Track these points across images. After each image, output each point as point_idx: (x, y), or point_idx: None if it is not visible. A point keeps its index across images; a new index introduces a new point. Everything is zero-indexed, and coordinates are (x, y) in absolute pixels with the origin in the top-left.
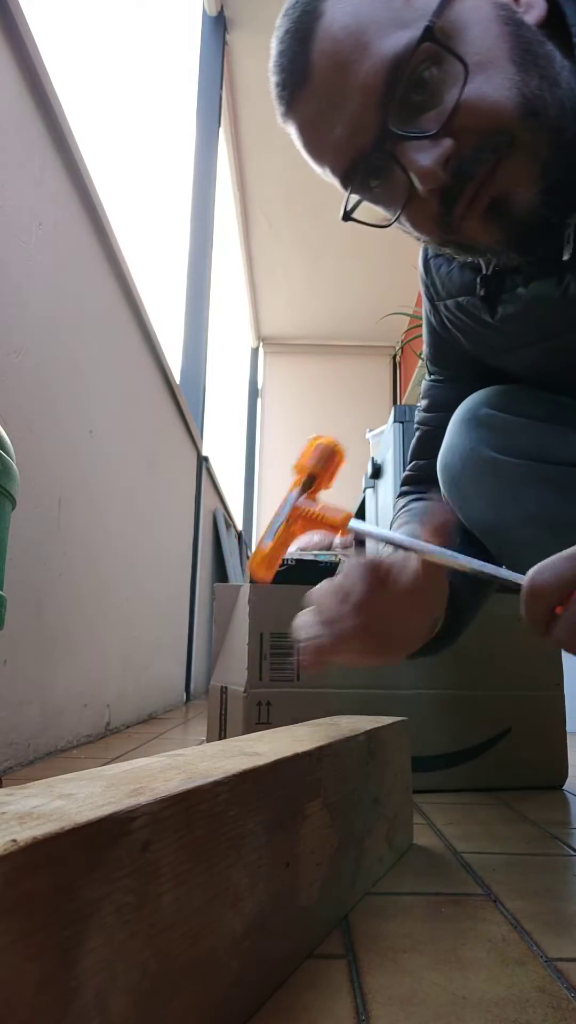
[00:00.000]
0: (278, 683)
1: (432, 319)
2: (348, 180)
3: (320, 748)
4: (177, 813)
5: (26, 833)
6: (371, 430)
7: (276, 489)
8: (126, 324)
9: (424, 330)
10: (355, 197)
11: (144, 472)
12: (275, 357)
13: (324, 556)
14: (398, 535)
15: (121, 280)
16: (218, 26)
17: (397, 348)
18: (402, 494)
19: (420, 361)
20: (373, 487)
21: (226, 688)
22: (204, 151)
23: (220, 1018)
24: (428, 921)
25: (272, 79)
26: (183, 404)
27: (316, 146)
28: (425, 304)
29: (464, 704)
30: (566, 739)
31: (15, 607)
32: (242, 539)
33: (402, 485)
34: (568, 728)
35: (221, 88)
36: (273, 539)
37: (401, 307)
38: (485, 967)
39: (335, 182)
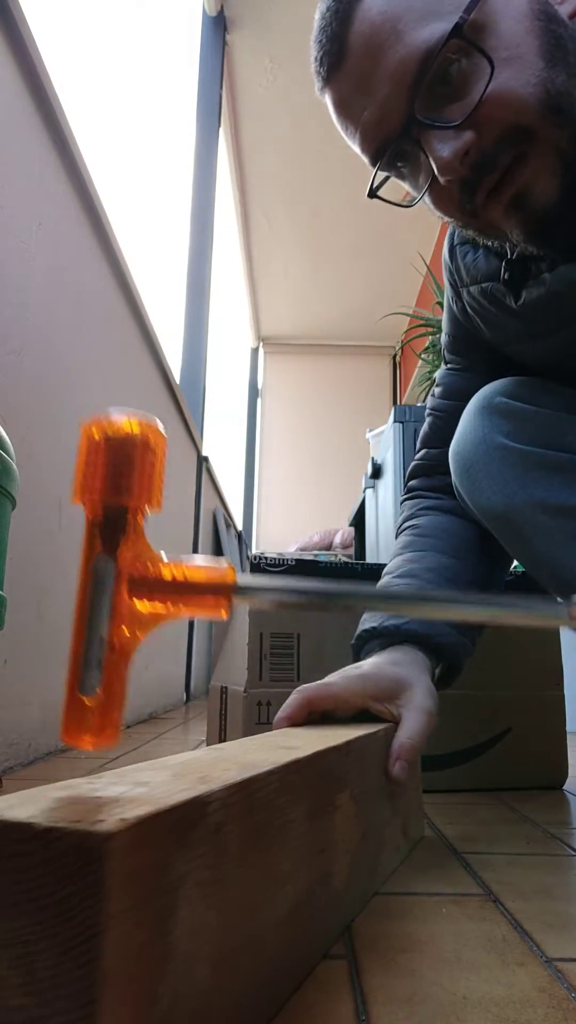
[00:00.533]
0: (278, 683)
1: (454, 306)
2: (376, 160)
3: (348, 743)
4: (241, 799)
5: (130, 813)
6: (371, 430)
7: (276, 489)
8: (126, 324)
9: (444, 317)
10: (381, 175)
11: None
12: (275, 357)
13: (324, 556)
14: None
15: (121, 280)
16: (218, 26)
17: (397, 348)
18: (409, 491)
19: (420, 361)
20: (373, 487)
21: (226, 688)
22: (204, 151)
23: (264, 995)
24: (428, 921)
25: (312, 52)
26: (183, 404)
27: (347, 124)
28: (448, 291)
29: (464, 704)
30: (566, 739)
31: (15, 607)
32: (242, 539)
33: (409, 477)
34: (568, 728)
35: (221, 88)
36: (98, 673)
37: (401, 307)
38: (485, 967)
39: (364, 160)
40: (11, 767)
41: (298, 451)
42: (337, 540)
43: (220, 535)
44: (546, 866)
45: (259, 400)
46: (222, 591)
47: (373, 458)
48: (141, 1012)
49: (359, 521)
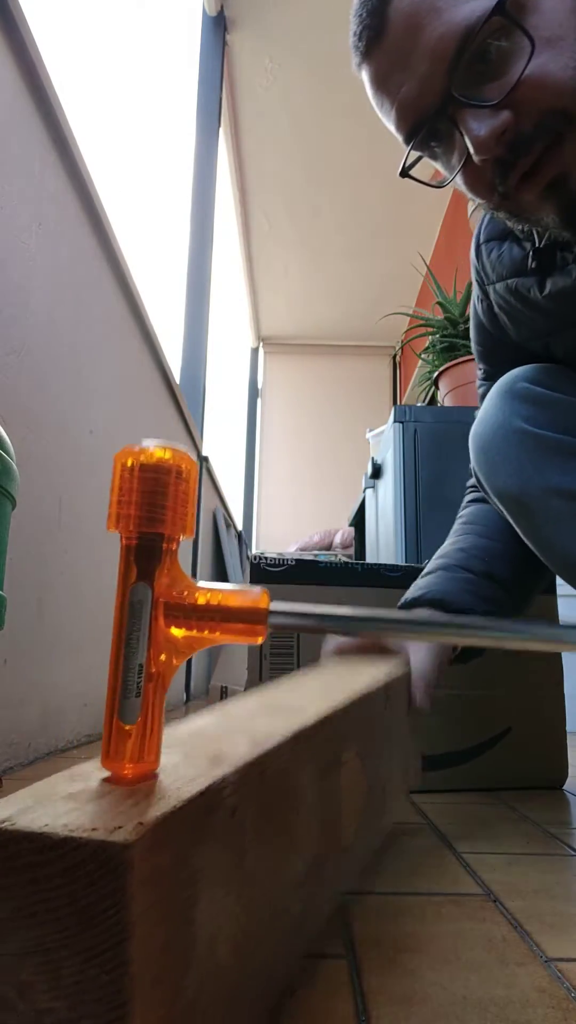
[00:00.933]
0: None
1: (479, 308)
2: (410, 138)
3: (351, 703)
4: (254, 777)
5: (147, 815)
6: (371, 430)
7: (276, 489)
8: (126, 324)
9: (472, 328)
10: (414, 155)
11: None
12: (275, 357)
13: (324, 556)
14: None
15: (121, 280)
16: (218, 26)
17: (397, 348)
18: (469, 487)
19: (420, 361)
20: (373, 487)
21: (226, 688)
22: (204, 151)
23: (284, 958)
24: (428, 921)
25: (351, 26)
26: (183, 404)
27: (384, 100)
28: (475, 292)
29: (464, 704)
30: (566, 739)
31: (15, 607)
32: (242, 539)
33: (470, 479)
34: (568, 728)
35: (221, 88)
36: (138, 700)
37: (401, 307)
38: (485, 967)
39: (398, 137)
40: (11, 767)
41: (298, 451)
42: (337, 540)
43: (220, 535)
44: (546, 866)
45: (259, 400)
46: (257, 617)
47: (373, 458)
48: (169, 1007)
49: (359, 521)
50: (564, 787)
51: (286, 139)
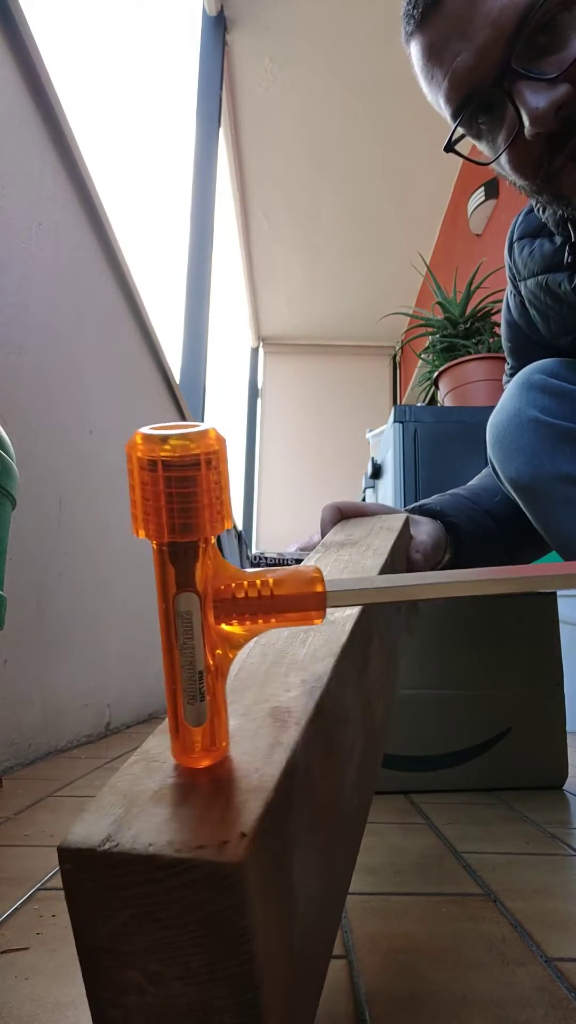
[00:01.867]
0: None
1: (511, 305)
2: (460, 111)
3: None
4: (317, 723)
5: (246, 818)
6: (371, 430)
7: (276, 489)
8: (126, 324)
9: (503, 325)
10: (460, 131)
11: None
12: (275, 357)
13: None
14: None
15: (121, 280)
16: (218, 26)
17: (397, 348)
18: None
19: (420, 361)
20: (373, 487)
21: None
22: (204, 151)
23: (349, 856)
24: (428, 921)
25: None
26: (183, 404)
27: (435, 71)
28: (507, 289)
29: (464, 704)
30: (566, 739)
31: (15, 607)
32: (242, 539)
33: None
34: (568, 728)
35: (221, 88)
36: (203, 695)
37: (401, 307)
38: (485, 967)
39: (445, 111)
40: (11, 767)
41: (298, 451)
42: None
43: (220, 535)
44: (546, 866)
45: (259, 400)
46: (313, 602)
47: (373, 458)
48: (288, 973)
49: None
50: (564, 787)
51: (286, 139)
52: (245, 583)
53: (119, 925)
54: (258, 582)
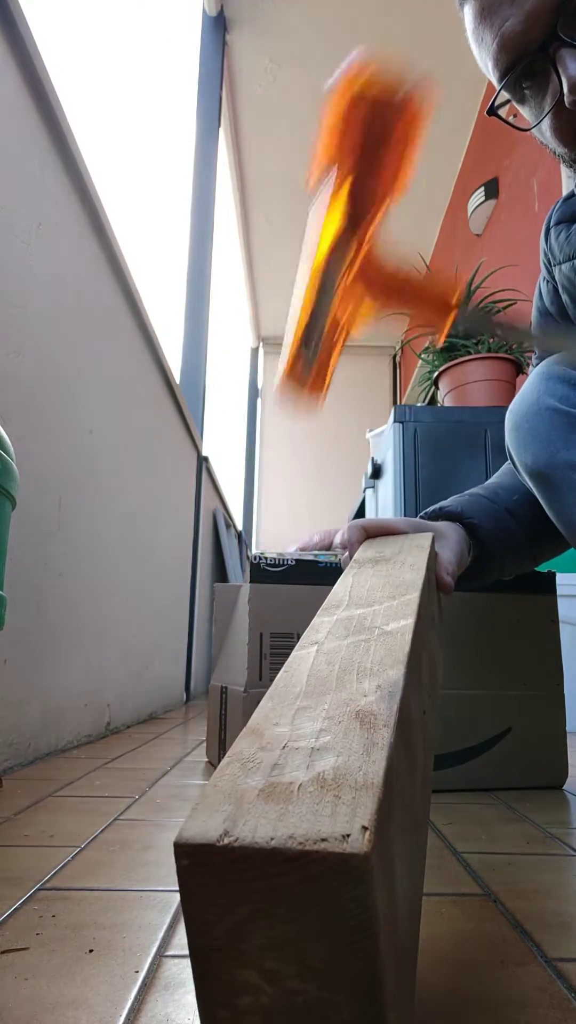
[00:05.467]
0: None
1: (544, 291)
2: (506, 74)
3: (421, 604)
4: (400, 729)
5: (361, 812)
6: (371, 430)
7: (276, 489)
8: (126, 324)
9: (533, 316)
10: (504, 96)
11: (144, 472)
12: (275, 357)
13: (324, 556)
14: None
15: (121, 280)
16: (218, 26)
17: (397, 348)
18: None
19: (420, 361)
20: (373, 487)
21: (226, 688)
22: (204, 151)
23: (424, 854)
24: (428, 921)
25: None
26: (183, 404)
27: (485, 34)
28: (541, 277)
29: (464, 704)
30: (566, 739)
31: (15, 607)
32: (242, 539)
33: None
34: (568, 728)
35: (221, 88)
36: (315, 336)
37: None
38: (485, 967)
39: (493, 75)
40: (11, 767)
41: (298, 451)
42: (337, 540)
43: (220, 535)
44: (546, 866)
45: (259, 400)
46: (443, 308)
47: (373, 458)
48: (398, 969)
49: None
50: (564, 787)
51: (286, 139)
52: (395, 262)
53: (235, 922)
54: (409, 267)
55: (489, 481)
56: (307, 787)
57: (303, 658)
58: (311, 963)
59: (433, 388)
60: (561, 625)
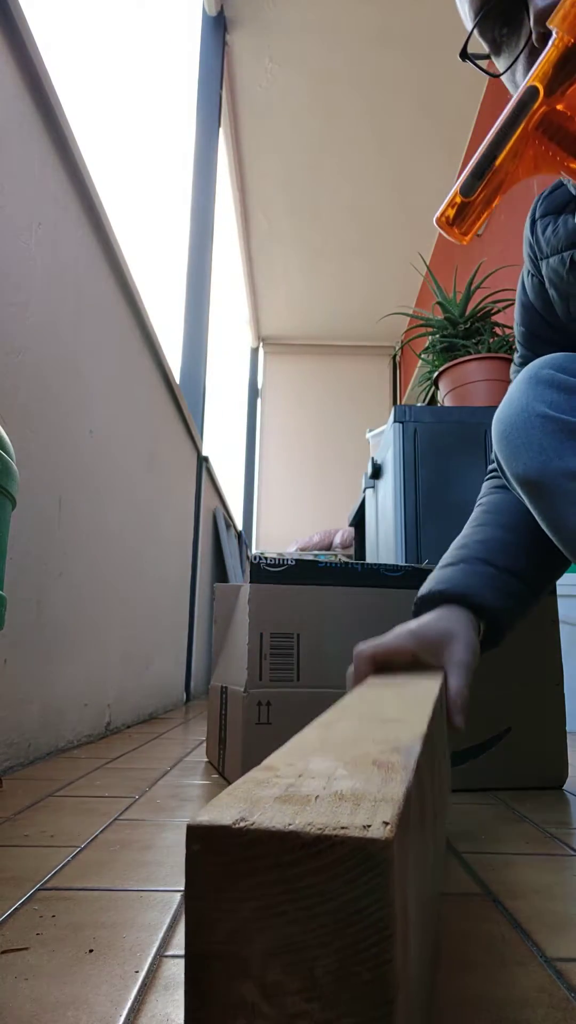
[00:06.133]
0: (278, 683)
1: (528, 286)
2: (479, 12)
3: (435, 708)
4: (418, 773)
5: (382, 813)
6: (371, 430)
7: (276, 489)
8: (126, 324)
9: (517, 309)
10: (482, 43)
11: (144, 472)
12: (275, 357)
13: (324, 556)
14: None
15: (121, 280)
16: (218, 26)
17: (397, 348)
18: (489, 471)
19: (420, 361)
20: (373, 487)
21: (226, 688)
22: (204, 151)
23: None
24: None
25: None
26: (183, 404)
27: None
28: (524, 271)
29: None
30: (566, 739)
31: (15, 607)
32: (242, 539)
33: (490, 464)
34: (568, 728)
35: (221, 88)
36: (482, 179)
37: (401, 307)
38: (485, 967)
39: (467, 18)
40: (11, 767)
41: (298, 451)
42: (337, 540)
43: (220, 535)
44: (546, 866)
45: (259, 400)
46: None
47: (373, 458)
48: (408, 990)
49: (359, 521)
50: (564, 787)
51: (286, 139)
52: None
53: (240, 921)
54: None
55: (475, 538)
56: (324, 798)
57: (313, 729)
58: (318, 975)
59: (433, 388)
60: (561, 625)
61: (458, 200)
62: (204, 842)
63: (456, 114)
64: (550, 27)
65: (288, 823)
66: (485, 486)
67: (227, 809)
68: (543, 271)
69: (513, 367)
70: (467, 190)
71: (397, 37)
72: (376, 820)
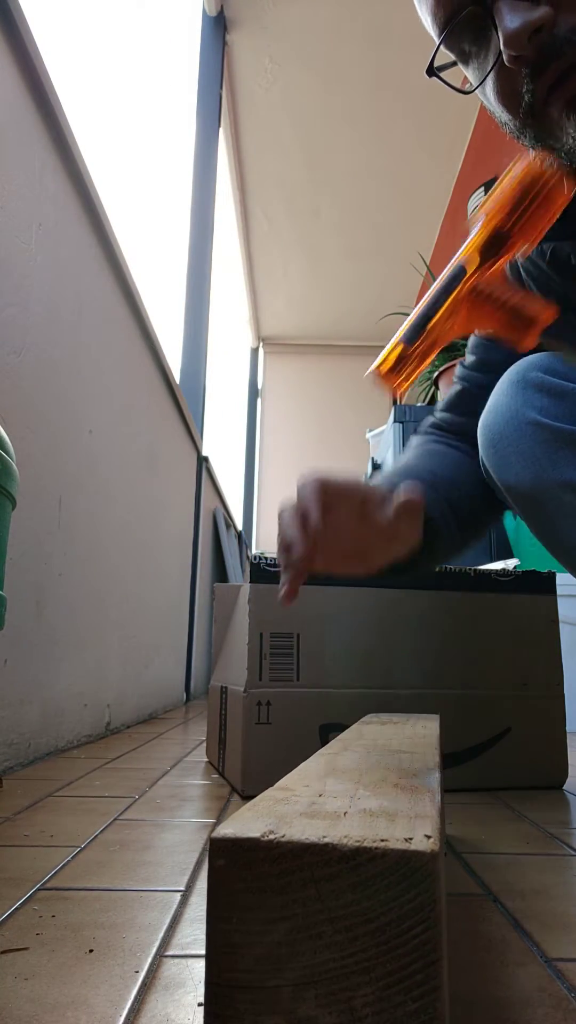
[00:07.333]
0: (278, 683)
1: (507, 275)
2: (445, 26)
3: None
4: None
5: (421, 827)
6: (371, 430)
7: (276, 489)
8: (126, 324)
9: None
10: (446, 55)
11: (144, 472)
12: (275, 357)
13: None
14: None
15: (121, 280)
16: (218, 26)
17: None
18: (423, 432)
19: None
20: None
21: (226, 688)
22: (204, 151)
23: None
24: None
25: None
26: (183, 404)
27: None
28: None
29: (464, 704)
30: (566, 739)
31: (15, 607)
32: (242, 539)
33: (425, 427)
34: (568, 728)
35: (221, 88)
36: (420, 334)
37: (401, 307)
38: (485, 967)
39: (432, 31)
40: (11, 767)
41: (298, 451)
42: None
43: (220, 535)
44: (545, 866)
45: (259, 400)
46: (526, 323)
47: (373, 458)
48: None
49: None
50: (564, 787)
51: (286, 139)
52: (506, 292)
53: (272, 944)
54: (518, 292)
55: (424, 464)
56: (353, 814)
57: (319, 758)
58: (357, 1006)
59: (433, 388)
60: (561, 625)
61: (398, 350)
62: (230, 856)
63: (456, 114)
64: (481, 213)
65: (323, 835)
66: (427, 427)
67: (253, 822)
68: (519, 263)
69: (460, 368)
70: (409, 340)
71: (397, 37)
72: (417, 834)
